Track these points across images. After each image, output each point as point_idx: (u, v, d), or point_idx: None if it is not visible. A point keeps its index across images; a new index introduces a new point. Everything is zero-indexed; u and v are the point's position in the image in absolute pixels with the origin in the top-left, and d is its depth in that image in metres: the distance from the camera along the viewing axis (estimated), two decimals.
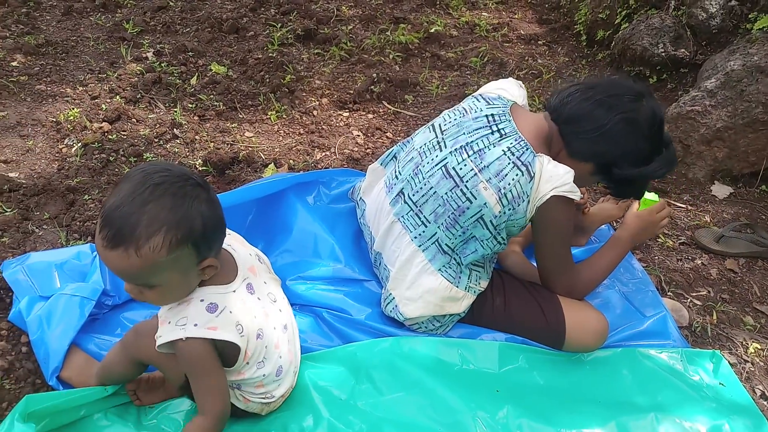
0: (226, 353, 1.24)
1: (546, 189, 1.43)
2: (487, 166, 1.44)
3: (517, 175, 1.42)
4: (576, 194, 1.44)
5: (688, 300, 1.93)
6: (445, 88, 3.12)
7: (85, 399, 1.37)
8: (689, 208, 2.36)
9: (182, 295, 1.21)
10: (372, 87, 2.98)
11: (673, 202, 2.39)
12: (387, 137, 2.68)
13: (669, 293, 1.94)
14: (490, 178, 1.44)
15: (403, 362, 1.57)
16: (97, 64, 2.98)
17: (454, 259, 1.55)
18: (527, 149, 1.44)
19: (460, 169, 1.47)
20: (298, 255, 1.82)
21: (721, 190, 2.47)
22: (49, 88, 2.73)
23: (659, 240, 2.16)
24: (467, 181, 1.46)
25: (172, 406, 1.44)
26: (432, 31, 3.66)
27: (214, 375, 1.23)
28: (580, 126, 1.47)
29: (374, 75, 3.08)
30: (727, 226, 2.19)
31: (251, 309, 1.28)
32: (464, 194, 1.47)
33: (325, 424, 1.41)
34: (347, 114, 2.82)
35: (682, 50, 3.01)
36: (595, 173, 1.53)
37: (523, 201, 1.44)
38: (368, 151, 2.56)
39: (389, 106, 2.91)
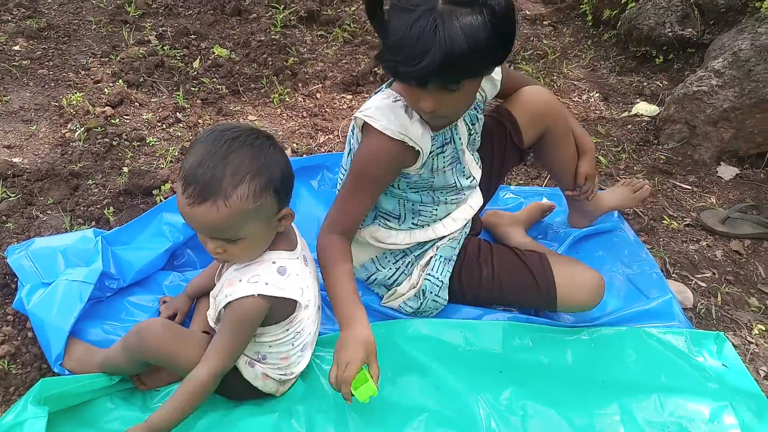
0: (281, 311, 1.29)
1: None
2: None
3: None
4: (374, 120, 1.37)
5: (693, 282, 1.92)
6: None
7: (96, 385, 1.39)
8: (695, 189, 2.35)
9: (262, 247, 1.25)
10: (375, 69, 2.96)
11: (678, 183, 2.37)
12: None
13: (674, 275, 1.93)
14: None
15: (408, 345, 1.58)
16: (99, 47, 2.97)
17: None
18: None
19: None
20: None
21: (726, 171, 2.45)
22: (51, 73, 2.72)
23: (664, 222, 2.15)
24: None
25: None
26: None
27: (242, 340, 1.28)
28: None
29: None
30: (732, 207, 2.18)
31: (306, 279, 1.33)
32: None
33: (331, 406, 1.43)
34: (350, 97, 2.81)
35: (690, 30, 2.97)
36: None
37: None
38: None
39: None
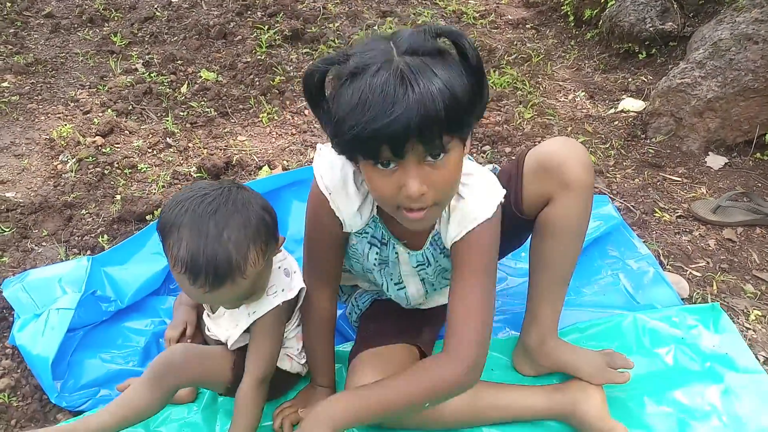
0: (293, 304, 1.38)
1: None
2: None
3: None
4: (318, 163, 1.24)
5: (688, 272, 1.93)
6: None
7: None
8: (684, 180, 2.36)
9: (269, 276, 1.32)
10: None
11: (668, 176, 2.38)
12: None
13: (668, 266, 1.94)
14: None
15: None
16: (87, 78, 2.99)
17: None
18: None
19: None
20: (295, 252, 1.83)
21: (715, 161, 2.46)
22: (40, 107, 2.75)
23: (656, 214, 2.16)
24: None
25: (175, 412, 1.46)
26: (419, 22, 3.66)
27: (277, 342, 1.35)
28: None
29: None
30: (723, 196, 2.18)
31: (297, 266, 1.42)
32: None
33: None
34: None
35: (670, 23, 3.00)
36: None
37: None
38: None
39: None
